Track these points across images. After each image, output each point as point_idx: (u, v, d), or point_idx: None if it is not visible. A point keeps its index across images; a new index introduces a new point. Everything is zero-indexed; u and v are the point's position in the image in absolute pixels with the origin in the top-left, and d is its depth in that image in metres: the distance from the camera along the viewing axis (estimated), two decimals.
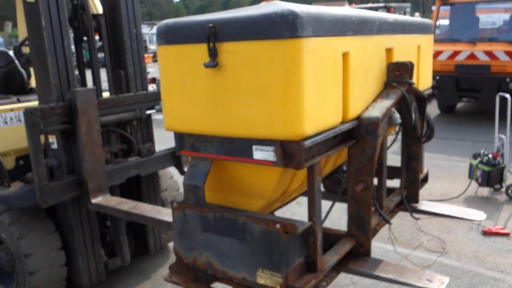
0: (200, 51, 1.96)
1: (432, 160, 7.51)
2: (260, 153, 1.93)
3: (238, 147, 2.00)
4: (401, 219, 5.12)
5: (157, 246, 4.24)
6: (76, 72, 3.65)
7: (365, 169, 2.33)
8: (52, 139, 3.35)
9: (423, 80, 3.18)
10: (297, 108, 1.83)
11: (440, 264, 4.22)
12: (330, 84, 2.01)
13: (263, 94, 1.87)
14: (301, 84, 1.81)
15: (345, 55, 2.12)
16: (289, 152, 1.87)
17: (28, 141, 3.04)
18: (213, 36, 1.90)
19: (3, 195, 3.29)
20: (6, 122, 3.62)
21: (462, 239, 4.70)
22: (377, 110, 2.34)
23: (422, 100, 2.95)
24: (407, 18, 2.92)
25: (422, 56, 3.11)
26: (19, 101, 3.87)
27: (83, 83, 3.72)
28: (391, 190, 3.17)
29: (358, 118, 2.30)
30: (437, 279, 2.20)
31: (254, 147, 1.95)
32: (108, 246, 3.83)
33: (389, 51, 2.63)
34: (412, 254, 4.42)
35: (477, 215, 2.96)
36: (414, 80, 2.82)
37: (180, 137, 2.20)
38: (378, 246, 4.57)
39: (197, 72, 2.01)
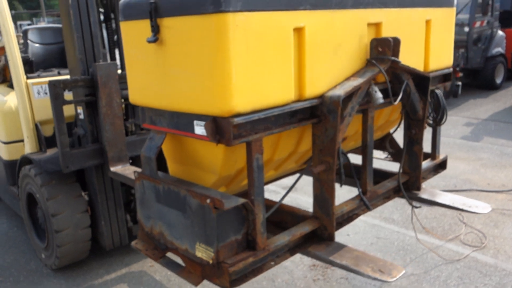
0: (147, 26, 2.01)
1: (504, 147, 6.86)
2: (199, 128, 1.96)
3: (184, 122, 2.04)
4: (444, 209, 4.79)
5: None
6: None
7: (327, 149, 2.24)
8: (80, 110, 3.64)
9: (437, 59, 2.93)
10: (224, 84, 1.81)
11: (471, 259, 3.92)
12: (274, 61, 1.95)
13: (196, 70, 1.88)
14: (227, 60, 1.79)
15: (298, 31, 2.04)
16: (220, 128, 1.87)
17: (52, 111, 3.33)
18: (154, 11, 1.94)
19: (37, 159, 3.66)
20: (46, 93, 3.98)
21: (507, 235, 4.29)
22: (342, 89, 2.22)
23: (423, 79, 2.73)
24: None
25: (434, 32, 2.85)
26: (59, 74, 4.22)
27: (112, 59, 3.95)
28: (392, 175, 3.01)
29: (321, 97, 2.20)
30: (391, 271, 2.08)
31: (194, 122, 1.97)
32: (133, 213, 4.09)
33: (375, 26, 2.46)
34: (443, 246, 4.14)
35: (481, 207, 2.70)
36: (415, 57, 2.62)
37: (142, 110, 2.29)
38: (409, 235, 4.35)
39: (147, 47, 2.07)
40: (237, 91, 1.83)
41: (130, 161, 3.68)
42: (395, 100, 2.49)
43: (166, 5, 1.92)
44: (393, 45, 2.39)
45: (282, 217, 2.54)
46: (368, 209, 2.62)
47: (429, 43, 2.88)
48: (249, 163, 1.98)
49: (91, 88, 3.50)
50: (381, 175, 3.09)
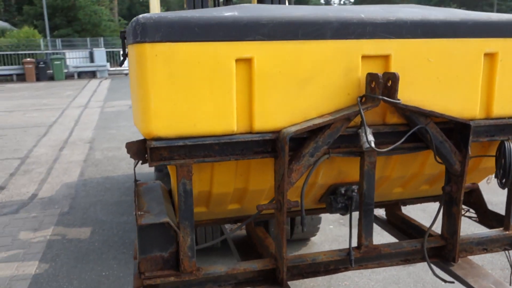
0: None
1: None
2: None
3: None
4: None
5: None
6: None
7: (280, 188, 2.10)
8: None
9: (503, 103, 2.34)
10: (145, 108, 1.94)
11: None
12: (209, 90, 1.97)
13: (135, 94, 2.07)
14: (146, 86, 1.91)
15: (245, 62, 1.99)
16: (142, 149, 2.01)
17: None
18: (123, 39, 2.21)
19: None
20: None
21: None
22: (299, 126, 2.05)
23: (463, 127, 2.24)
24: (442, 16, 2.22)
25: (506, 68, 2.29)
26: None
27: None
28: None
29: (279, 132, 2.09)
30: None
31: None
32: None
33: (378, 58, 2.15)
34: None
35: None
36: (460, 98, 2.19)
37: None
38: None
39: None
40: (156, 116, 1.94)
41: None
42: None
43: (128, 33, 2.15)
44: (386, 81, 2.06)
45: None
46: (350, 265, 2.30)
47: (494, 82, 2.31)
48: (177, 187, 2.05)
49: None
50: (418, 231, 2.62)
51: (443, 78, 2.24)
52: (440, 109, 2.26)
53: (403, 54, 2.17)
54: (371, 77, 2.09)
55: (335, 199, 2.47)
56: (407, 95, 2.21)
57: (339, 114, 2.08)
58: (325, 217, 5.48)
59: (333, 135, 2.10)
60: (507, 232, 2.56)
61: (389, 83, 2.07)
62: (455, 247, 2.41)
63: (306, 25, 2.03)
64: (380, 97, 2.05)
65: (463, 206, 3.02)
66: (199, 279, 2.17)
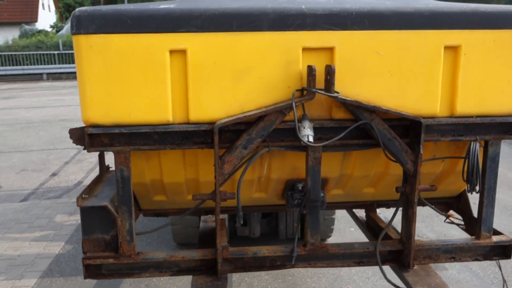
0: None
1: None
2: None
3: None
4: None
5: (288, 233, 4.50)
6: None
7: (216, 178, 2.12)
8: None
9: (480, 100, 2.18)
10: (82, 97, 2.05)
11: None
12: (143, 81, 2.03)
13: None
14: (82, 76, 2.02)
15: (179, 53, 2.03)
16: (82, 136, 2.11)
17: None
18: None
19: None
20: None
21: None
22: (231, 118, 2.05)
23: (415, 124, 2.12)
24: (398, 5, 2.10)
25: (473, 62, 2.13)
26: None
27: None
28: None
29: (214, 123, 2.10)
30: None
31: None
32: None
33: (318, 51, 2.09)
34: None
35: None
36: (415, 94, 2.09)
37: None
38: None
39: None
40: (92, 104, 2.04)
41: None
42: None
43: None
44: (326, 74, 2.00)
45: None
46: (291, 262, 2.26)
47: (457, 78, 2.16)
48: (115, 173, 2.14)
49: None
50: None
51: (396, 73, 2.13)
52: (393, 105, 2.15)
53: (349, 47, 2.09)
54: (308, 70, 2.05)
55: (292, 195, 2.43)
56: (355, 89, 2.13)
57: (272, 107, 2.06)
58: (347, 218, 5.35)
59: (267, 128, 2.08)
60: (477, 241, 2.37)
61: (328, 76, 2.01)
62: (409, 252, 2.28)
63: (240, 17, 2.03)
64: (314, 89, 2.00)
65: (452, 212, 2.85)
66: (142, 264, 2.25)
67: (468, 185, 2.27)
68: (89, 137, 2.07)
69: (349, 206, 2.97)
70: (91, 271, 2.23)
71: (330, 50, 2.10)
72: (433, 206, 2.53)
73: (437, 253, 2.39)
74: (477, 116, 2.23)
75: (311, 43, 2.08)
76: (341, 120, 2.17)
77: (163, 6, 2.04)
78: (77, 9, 2.01)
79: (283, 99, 2.11)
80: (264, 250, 2.31)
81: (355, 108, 2.10)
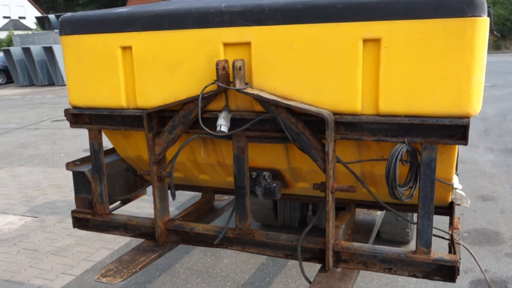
0: None
1: None
2: None
3: None
4: None
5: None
6: None
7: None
8: None
9: (411, 98, 2.01)
10: (67, 85, 2.63)
11: None
12: (104, 72, 2.49)
13: None
14: (65, 68, 2.59)
15: (124, 50, 2.42)
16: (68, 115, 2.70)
17: None
18: None
19: None
20: None
21: None
22: (159, 106, 2.34)
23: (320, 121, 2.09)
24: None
25: (397, 56, 1.98)
26: None
27: None
28: None
29: None
30: None
31: None
32: None
33: (231, 46, 2.21)
34: None
35: None
36: (333, 89, 2.08)
37: None
38: None
39: None
40: (71, 90, 2.61)
41: None
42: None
43: None
44: (223, 67, 2.14)
45: None
46: (218, 242, 2.42)
47: (379, 73, 2.03)
48: (89, 146, 2.67)
49: None
50: None
51: (312, 67, 2.11)
52: (310, 100, 2.14)
53: (263, 41, 2.16)
54: (216, 65, 2.19)
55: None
56: (272, 83, 2.20)
57: (192, 98, 2.28)
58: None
59: (187, 116, 2.31)
60: (412, 255, 2.13)
61: (235, 71, 2.13)
62: (327, 254, 2.21)
63: (170, 17, 2.30)
64: (216, 82, 2.15)
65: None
66: (113, 223, 2.74)
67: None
68: (71, 116, 2.64)
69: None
70: (80, 223, 2.82)
71: (248, 45, 2.19)
72: (393, 210, 2.35)
73: (373, 260, 2.23)
74: (405, 116, 2.02)
75: (230, 38, 2.22)
76: (260, 112, 2.24)
77: (118, 10, 2.46)
78: (63, 15, 2.58)
79: (209, 90, 2.31)
80: (200, 227, 2.54)
81: (262, 102, 2.15)
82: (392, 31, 1.95)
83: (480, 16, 1.85)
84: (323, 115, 2.04)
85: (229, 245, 2.48)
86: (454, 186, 2.30)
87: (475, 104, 1.93)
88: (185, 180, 2.96)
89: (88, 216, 2.76)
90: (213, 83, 2.18)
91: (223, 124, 2.22)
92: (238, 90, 2.15)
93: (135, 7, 2.48)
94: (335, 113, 2.11)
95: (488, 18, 1.96)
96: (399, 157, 1.99)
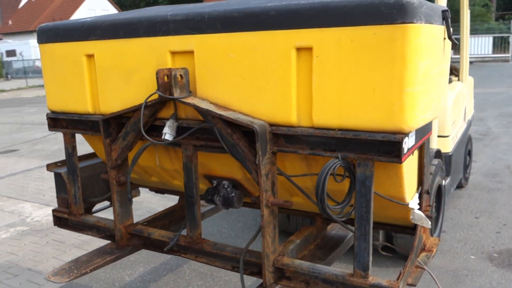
0: None
1: None
2: None
3: None
4: None
5: None
6: None
7: None
8: None
9: (325, 110, 1.90)
10: (45, 90, 2.77)
11: None
12: (73, 78, 2.59)
13: None
14: (43, 73, 2.73)
15: (89, 57, 2.50)
16: None
17: None
18: None
19: None
20: None
21: None
22: (113, 113, 2.39)
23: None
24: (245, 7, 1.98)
25: (328, 65, 1.87)
26: None
27: None
28: None
29: None
30: None
31: None
32: None
33: (185, 54, 2.19)
34: None
35: None
36: (269, 100, 2.00)
37: None
38: None
39: None
40: (48, 95, 2.74)
41: None
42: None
43: None
44: (162, 77, 2.13)
45: None
46: (167, 249, 2.42)
47: (311, 83, 1.92)
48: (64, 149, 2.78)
49: None
50: None
51: (248, 76, 2.05)
52: (247, 110, 2.08)
53: (205, 50, 2.13)
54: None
55: (208, 189, 2.57)
56: (213, 92, 2.17)
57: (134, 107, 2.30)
58: (473, 245, 4.54)
59: (137, 123, 2.33)
60: (350, 278, 1.99)
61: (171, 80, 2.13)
62: (264, 269, 2.13)
63: (124, 26, 2.34)
64: (157, 91, 2.15)
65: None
66: (86, 223, 2.84)
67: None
68: (49, 120, 2.77)
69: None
70: (61, 222, 2.95)
71: (191, 53, 2.17)
72: (343, 223, 2.22)
73: (316, 280, 2.11)
74: (339, 130, 1.89)
75: (176, 47, 2.21)
76: (203, 121, 2.21)
77: (84, 19, 2.54)
78: (41, 25, 2.72)
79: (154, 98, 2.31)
80: (156, 233, 2.55)
81: (199, 111, 2.12)
82: (323, 39, 1.84)
83: (412, 22, 1.68)
84: (253, 126, 1.97)
85: (183, 253, 2.47)
86: (410, 205, 2.12)
87: (409, 119, 1.76)
88: (161, 184, 2.99)
89: (65, 216, 2.89)
90: (155, 93, 2.18)
91: (167, 132, 2.22)
92: (176, 99, 2.14)
93: (99, 17, 2.54)
94: (272, 124, 2.03)
95: (432, 25, 1.79)
96: (328, 173, 1.87)
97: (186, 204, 2.38)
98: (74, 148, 2.75)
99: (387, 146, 1.79)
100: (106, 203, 3.14)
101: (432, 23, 1.82)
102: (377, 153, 1.81)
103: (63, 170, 2.87)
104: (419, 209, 2.28)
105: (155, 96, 2.20)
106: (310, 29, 1.85)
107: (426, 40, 1.76)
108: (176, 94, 2.13)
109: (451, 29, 1.98)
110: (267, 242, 2.10)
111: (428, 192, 2.37)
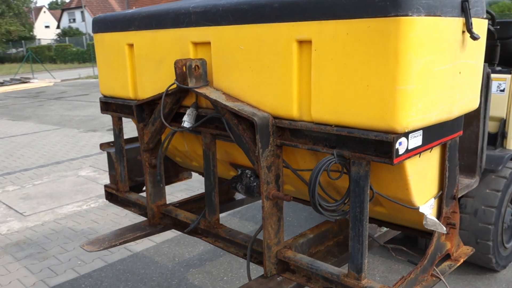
0: None
1: None
2: None
3: None
4: None
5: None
6: None
7: None
8: None
9: (322, 105, 1.87)
10: (98, 75, 3.03)
11: None
12: (118, 66, 2.81)
13: None
14: (97, 60, 2.99)
15: (130, 46, 2.68)
16: None
17: None
18: None
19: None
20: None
21: None
22: (143, 99, 2.55)
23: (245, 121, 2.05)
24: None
25: (325, 59, 1.84)
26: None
27: None
28: None
29: None
30: None
31: None
32: None
33: (204, 45, 2.26)
34: None
35: None
36: (275, 92, 2.02)
37: None
38: None
39: None
40: (101, 80, 3.00)
41: None
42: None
43: None
44: (179, 67, 2.22)
45: None
46: (189, 229, 2.53)
47: (310, 77, 1.89)
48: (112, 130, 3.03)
49: None
50: None
51: (256, 68, 2.07)
52: (254, 102, 2.11)
53: (220, 41, 2.19)
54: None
55: (233, 177, 2.64)
56: (226, 83, 2.23)
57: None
58: None
59: (162, 111, 2.46)
60: (345, 279, 1.92)
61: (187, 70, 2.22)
62: (264, 260, 2.14)
63: (156, 17, 2.47)
64: (175, 81, 2.25)
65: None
66: (130, 200, 3.07)
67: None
68: (102, 103, 3.03)
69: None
70: (111, 198, 3.22)
71: (209, 44, 2.24)
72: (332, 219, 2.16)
73: (316, 276, 2.09)
74: (335, 126, 1.83)
75: (196, 38, 2.29)
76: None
77: (127, 11, 2.72)
78: (94, 16, 2.96)
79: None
80: (182, 214, 2.67)
81: (212, 102, 2.18)
82: (321, 32, 1.79)
83: (406, 15, 1.57)
84: (252, 118, 1.98)
85: (205, 236, 2.58)
86: (420, 210, 1.99)
87: (401, 119, 1.65)
88: (200, 168, 3.12)
89: (114, 192, 3.15)
90: (174, 83, 2.28)
91: (186, 120, 2.32)
92: (190, 89, 2.22)
93: (140, 9, 2.71)
94: (276, 117, 2.03)
95: (438, 17, 1.65)
96: (321, 170, 1.83)
97: (205, 190, 2.47)
98: (121, 130, 2.98)
99: (380, 146, 1.70)
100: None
101: (439, 15, 1.67)
102: (374, 152, 1.72)
103: (113, 150, 3.12)
104: (439, 215, 2.13)
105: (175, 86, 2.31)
106: (310, 22, 1.81)
107: (426, 34, 1.63)
108: (191, 84, 2.21)
109: (471, 21, 1.79)
110: (268, 233, 2.12)
111: (454, 198, 2.19)
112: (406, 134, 1.70)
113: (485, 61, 2.22)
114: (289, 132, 2.01)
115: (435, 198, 2.07)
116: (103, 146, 3.22)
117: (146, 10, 2.55)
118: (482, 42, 2.03)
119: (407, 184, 1.89)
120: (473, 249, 2.39)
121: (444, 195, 2.12)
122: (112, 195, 3.20)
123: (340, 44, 1.74)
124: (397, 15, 1.57)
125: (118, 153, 3.01)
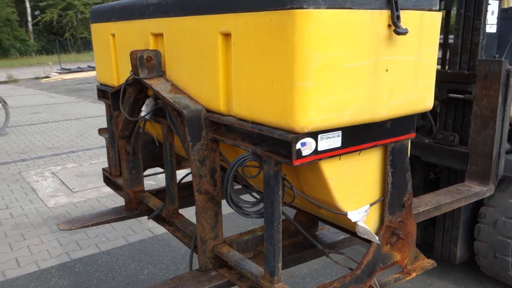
0: None
1: None
2: None
3: None
4: None
5: (444, 253, 3.80)
6: None
7: None
8: None
9: (240, 100, 1.82)
10: (95, 63, 3.18)
11: None
12: (105, 55, 2.92)
13: None
14: (94, 50, 3.14)
15: (113, 36, 2.78)
16: None
17: None
18: None
19: None
20: None
21: None
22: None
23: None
24: None
25: (234, 54, 1.81)
26: None
27: None
28: None
29: None
30: None
31: None
32: None
33: (159, 37, 2.29)
34: None
35: None
36: (208, 87, 2.02)
37: None
38: None
39: None
40: (97, 68, 3.14)
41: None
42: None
43: None
44: (134, 58, 2.27)
45: None
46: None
47: (230, 70, 1.85)
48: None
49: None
50: None
51: (194, 60, 2.06)
52: (194, 94, 2.11)
53: (170, 33, 2.20)
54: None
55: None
56: (175, 74, 2.25)
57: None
58: None
59: (129, 99, 2.52)
60: (262, 281, 1.86)
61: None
62: (199, 253, 2.13)
63: (128, 9, 2.54)
64: (131, 72, 2.31)
65: None
66: (120, 186, 3.19)
67: None
68: (98, 90, 3.18)
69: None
70: (108, 181, 3.38)
71: (162, 36, 2.26)
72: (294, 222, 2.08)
73: (246, 276, 2.04)
74: (251, 122, 1.77)
75: (154, 29, 2.32)
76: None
77: (112, 3, 2.81)
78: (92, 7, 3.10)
79: None
80: (151, 202, 2.73)
81: (155, 92, 2.20)
82: (237, 25, 1.73)
83: (301, 7, 1.47)
84: (182, 110, 1.97)
85: (167, 224, 2.63)
86: (348, 216, 1.86)
87: (299, 118, 1.55)
88: None
89: (107, 175, 3.30)
90: (132, 75, 2.33)
91: (143, 110, 2.37)
92: (140, 79, 2.25)
93: (121, 1, 2.79)
94: (208, 111, 2.01)
95: (347, 10, 1.53)
96: (235, 167, 1.79)
97: (166, 180, 2.51)
98: (112, 116, 3.11)
99: (284, 145, 1.62)
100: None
101: (349, 8, 1.53)
102: (281, 151, 1.64)
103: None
104: (381, 223, 1.98)
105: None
106: (230, 14, 1.76)
107: (329, 28, 1.51)
108: (143, 74, 2.25)
109: (398, 14, 1.61)
110: (202, 227, 2.11)
111: (403, 206, 2.02)
112: (313, 134, 1.59)
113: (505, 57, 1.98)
114: (224, 127, 1.98)
115: (371, 205, 1.92)
116: (101, 131, 3.37)
117: (124, 2, 2.62)
118: (431, 37, 1.83)
119: (328, 188, 1.78)
120: (434, 262, 2.18)
121: (386, 203, 1.96)
122: (108, 179, 3.36)
123: (251, 38, 1.67)
124: (292, 8, 1.47)
125: (110, 139, 3.15)
